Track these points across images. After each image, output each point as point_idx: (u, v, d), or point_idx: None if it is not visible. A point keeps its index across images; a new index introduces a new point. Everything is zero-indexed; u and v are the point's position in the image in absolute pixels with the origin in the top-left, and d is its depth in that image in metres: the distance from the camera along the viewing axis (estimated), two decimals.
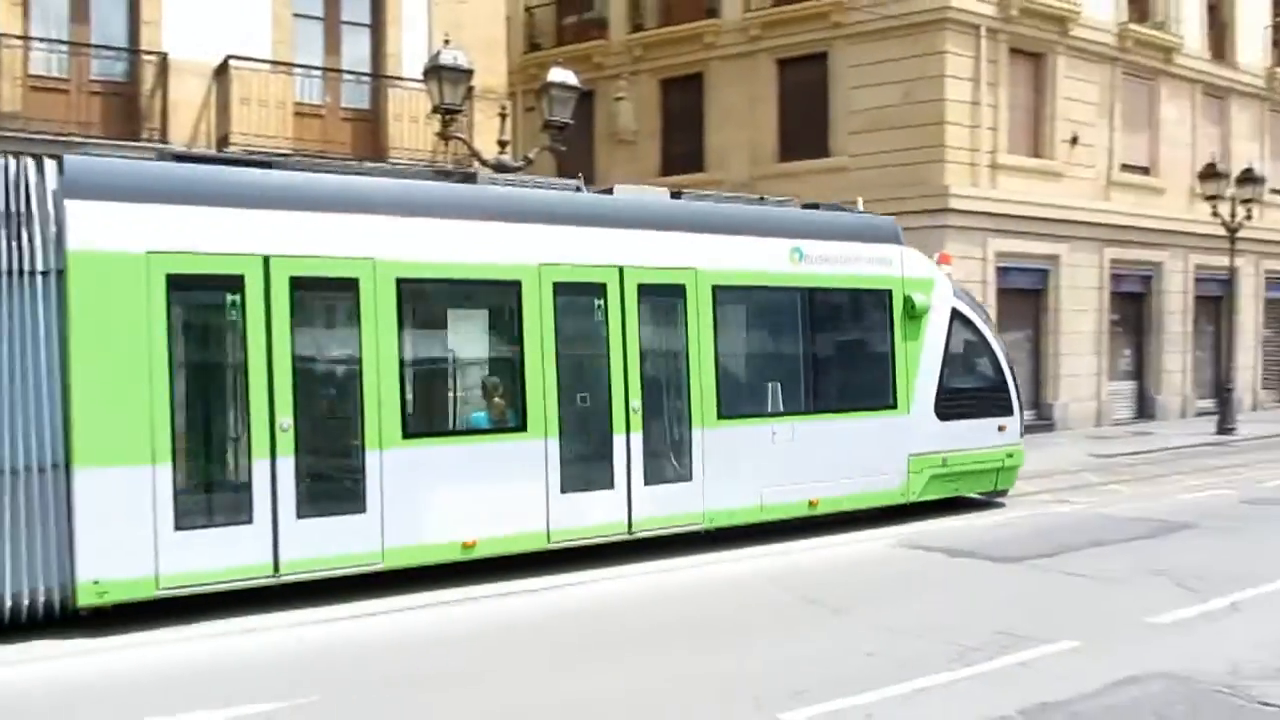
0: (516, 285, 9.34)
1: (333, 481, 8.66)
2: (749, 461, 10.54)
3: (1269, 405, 27.11)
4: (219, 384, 8.33)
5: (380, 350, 8.59)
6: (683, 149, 23.12)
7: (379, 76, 15.99)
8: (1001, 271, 20.92)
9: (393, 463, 8.57)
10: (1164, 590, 8.39)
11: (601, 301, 9.85)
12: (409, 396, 8.85)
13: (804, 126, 21.48)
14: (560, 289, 9.58)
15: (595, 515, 9.63)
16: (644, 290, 10.08)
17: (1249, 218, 21.71)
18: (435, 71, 12.60)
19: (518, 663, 6.91)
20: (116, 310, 7.59)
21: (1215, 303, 25.09)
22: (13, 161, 7.63)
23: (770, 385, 11.14)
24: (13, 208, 7.46)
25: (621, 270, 9.93)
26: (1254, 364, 26.75)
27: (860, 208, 12.47)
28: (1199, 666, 6.41)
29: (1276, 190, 26.53)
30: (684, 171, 22.90)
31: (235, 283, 8.06)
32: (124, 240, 7.67)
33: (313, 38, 15.66)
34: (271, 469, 8.07)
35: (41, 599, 7.37)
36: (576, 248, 9.76)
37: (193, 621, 7.75)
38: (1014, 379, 13.02)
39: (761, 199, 12.06)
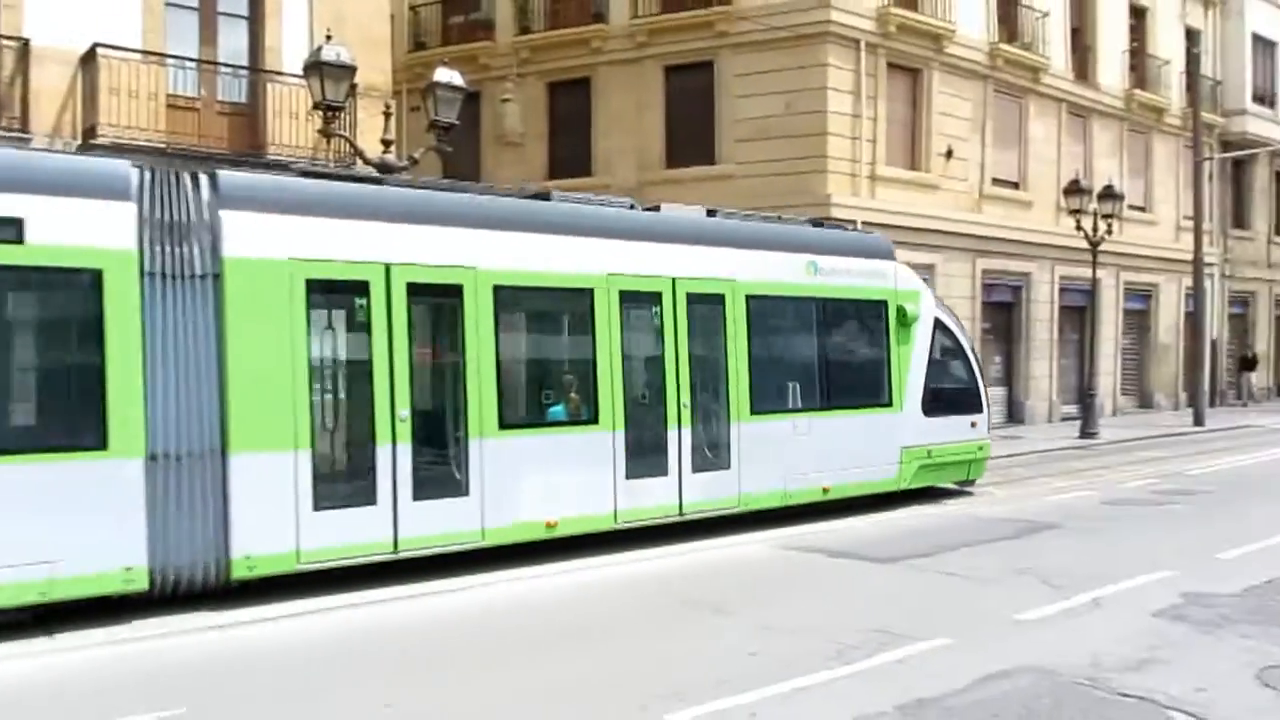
0: (589, 293, 10.49)
1: (441, 467, 9.50)
2: (775, 452, 11.81)
3: (1128, 410, 28.55)
4: (348, 378, 9.21)
5: (480, 349, 9.60)
6: (570, 152, 23.09)
7: (257, 70, 15.53)
8: None
9: (490, 451, 9.57)
10: (1031, 588, 8.74)
11: (658, 308, 11.08)
12: (503, 391, 9.81)
13: (691, 133, 21.70)
14: (624, 297, 10.76)
15: (653, 499, 10.79)
16: (691, 299, 11.28)
17: (1110, 232, 22.80)
18: (316, 67, 12.29)
19: (390, 671, 6.78)
20: (263, 311, 8.41)
21: (1079, 312, 26.25)
22: (174, 175, 8.36)
23: (791, 384, 12.42)
24: (176, 217, 8.17)
25: (674, 281, 11.14)
26: (1114, 371, 28.14)
27: (859, 227, 13.75)
28: (1063, 660, 6.69)
29: (1134, 206, 27.99)
30: (571, 175, 22.84)
31: (362, 288, 9.00)
32: (269, 248, 8.49)
33: (187, 28, 15.11)
34: (392, 456, 8.96)
35: (200, 573, 8.11)
36: (637, 260, 10.91)
37: (57, 632, 7.48)
38: (983, 381, 14.69)
39: (779, 217, 13.42)
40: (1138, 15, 29.55)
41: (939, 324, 13.97)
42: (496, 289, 9.73)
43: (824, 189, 20.32)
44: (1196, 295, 27.04)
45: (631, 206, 11.65)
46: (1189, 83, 28.73)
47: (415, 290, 9.25)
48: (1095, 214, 22.68)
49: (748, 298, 11.70)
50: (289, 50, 15.46)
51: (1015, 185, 25.22)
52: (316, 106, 12.54)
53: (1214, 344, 31.76)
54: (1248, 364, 33.53)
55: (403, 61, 23.07)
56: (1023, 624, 7.63)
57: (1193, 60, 28.51)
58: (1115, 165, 27.69)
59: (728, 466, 11.44)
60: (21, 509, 7.32)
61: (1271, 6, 34.86)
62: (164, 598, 8.03)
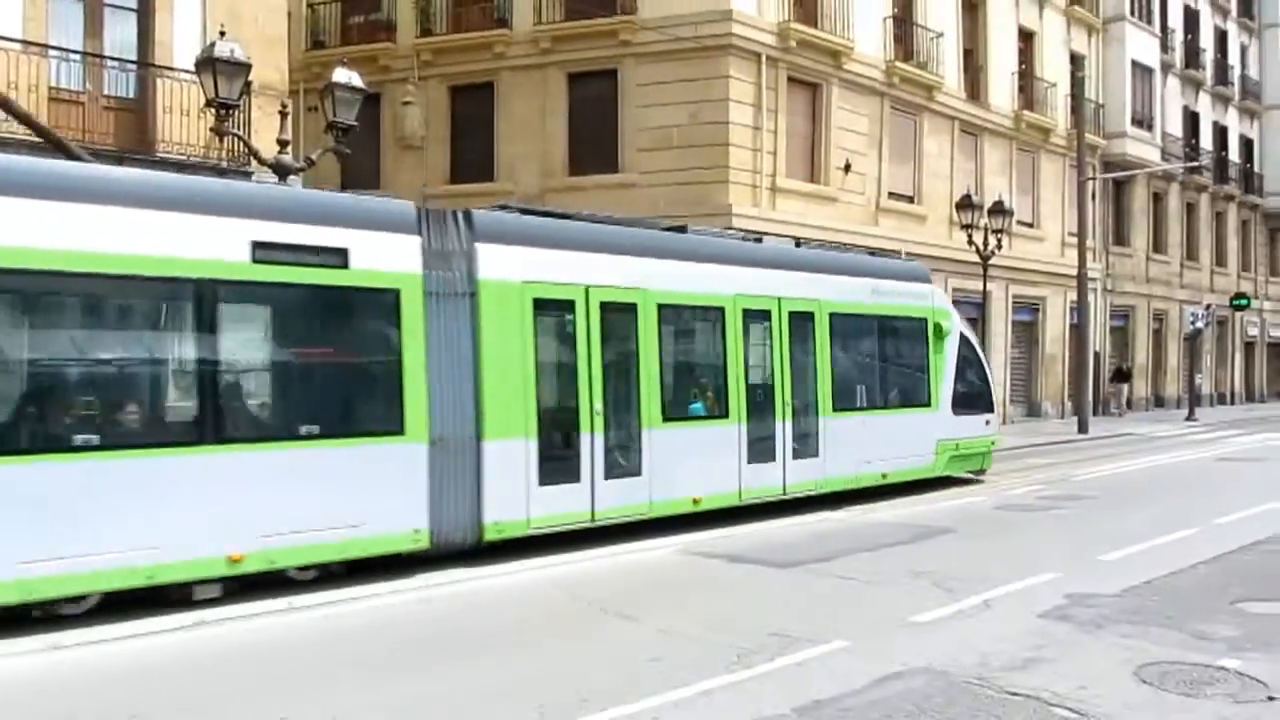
0: (721, 310, 12.72)
1: (623, 451, 11.53)
2: (850, 443, 14.26)
3: (1017, 419, 29.53)
4: (559, 377, 11.16)
5: (648, 355, 11.75)
6: (472, 157, 22.95)
7: (146, 65, 15.05)
8: None
9: (656, 439, 11.73)
10: (925, 591, 8.97)
11: (768, 323, 13.36)
12: (664, 390, 11.96)
13: (594, 141, 21.78)
14: (746, 314, 12.99)
15: (765, 480, 13.05)
16: (792, 316, 13.62)
17: (999, 246, 23.64)
18: (209, 63, 11.98)
19: (284, 683, 6.63)
20: (504, 323, 10.37)
21: (970, 324, 27.00)
22: (443, 214, 10.47)
23: (859, 387, 15.05)
24: (445, 247, 10.20)
25: (779, 300, 13.47)
26: (1004, 381, 29.08)
27: (904, 257, 17.16)
28: (955, 660, 6.89)
29: (1023, 222, 29.05)
30: (473, 180, 22.75)
31: (570, 305, 11.09)
32: (508, 271, 10.49)
33: (71, 19, 14.60)
34: (591, 442, 11.07)
35: (461, 536, 10.00)
36: (753, 283, 13.14)
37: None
38: (993, 384, 17.90)
39: (846, 247, 16.45)
40: (1026, 39, 30.74)
41: (962, 336, 16.79)
42: (660, 306, 11.93)
43: (725, 199, 20.60)
44: (1080, 308, 28.15)
45: (751, 238, 14.59)
46: (1073, 105, 29.97)
47: (605, 307, 11.37)
48: (986, 229, 23.48)
49: (830, 315, 14.18)
50: (180, 45, 15.04)
51: (910, 199, 25.93)
52: (209, 104, 12.22)
53: (1097, 355, 33.13)
54: (1122, 375, 35.12)
55: (300, 60, 22.66)
56: (917, 626, 7.82)
57: (1077, 84, 29.74)
58: (1005, 182, 28.73)
59: (816, 455, 13.88)
60: (340, 483, 9.13)
61: (1149, 35, 36.59)
62: (438, 556, 9.85)
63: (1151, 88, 36.71)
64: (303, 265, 9.08)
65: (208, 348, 8.59)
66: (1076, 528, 12.56)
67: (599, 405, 11.17)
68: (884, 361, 15.59)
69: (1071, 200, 30.20)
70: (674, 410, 12.17)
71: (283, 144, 12.71)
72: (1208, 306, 38.02)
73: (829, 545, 11.19)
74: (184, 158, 13.91)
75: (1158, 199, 38.86)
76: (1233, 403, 43.68)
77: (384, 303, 9.63)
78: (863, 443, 14.52)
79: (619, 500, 11.34)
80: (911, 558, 10.53)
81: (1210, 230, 42.90)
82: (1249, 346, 46.59)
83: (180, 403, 8.73)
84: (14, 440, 7.68)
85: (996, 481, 16.83)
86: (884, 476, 14.90)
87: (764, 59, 21.49)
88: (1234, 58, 45.11)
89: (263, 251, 8.81)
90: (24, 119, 11.59)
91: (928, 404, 15.99)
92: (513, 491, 10.33)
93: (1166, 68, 38.57)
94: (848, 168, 23.54)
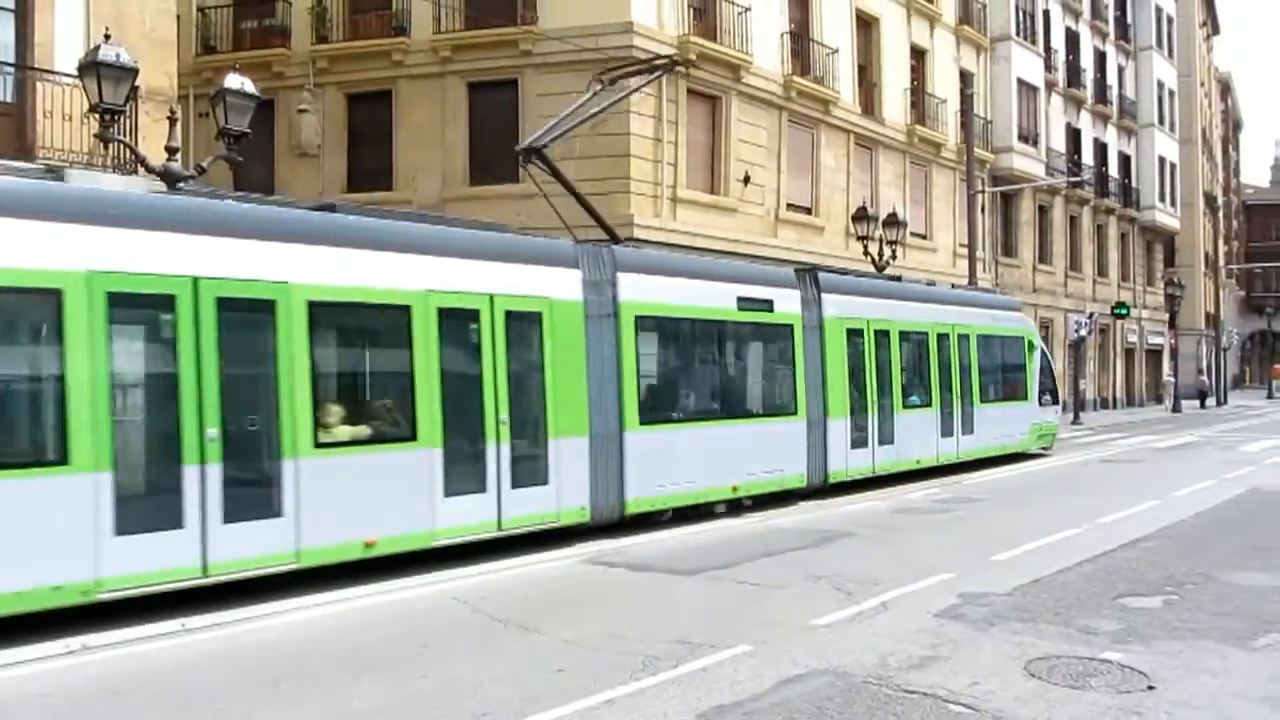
0: (922, 334, 18.73)
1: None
2: (990, 423, 20.58)
3: None
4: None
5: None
6: (370, 165, 22.60)
7: (24, 67, 14.45)
8: None
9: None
10: (825, 594, 9.13)
11: (948, 346, 19.47)
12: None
13: (495, 150, 21.61)
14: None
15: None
16: (939, 336, 19.25)
17: (894, 257, 24.19)
18: (93, 67, 11.58)
19: (163, 711, 6.42)
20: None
21: None
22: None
23: (990, 385, 21.02)
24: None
25: (954, 327, 19.68)
26: None
27: (999, 293, 25.90)
28: (854, 661, 7.03)
29: (916, 233, 29.81)
30: (371, 189, 22.40)
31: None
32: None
33: None
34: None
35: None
36: (929, 314, 19.16)
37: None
38: (1058, 383, 25.24)
39: (968, 286, 24.20)
40: (918, 56, 31.62)
41: (1041, 346, 23.57)
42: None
43: (626, 210, 20.67)
44: None
45: (930, 283, 21.50)
46: (963, 120, 30.91)
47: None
48: (881, 239, 24.04)
49: (979, 336, 20.55)
50: (62, 47, 14.44)
51: (809, 210, 26.41)
52: (93, 109, 11.82)
53: None
54: None
55: (190, 65, 22.06)
56: (817, 629, 7.96)
57: (966, 100, 30.70)
58: (899, 194, 29.48)
59: (973, 432, 19.89)
60: (768, 444, 14.67)
61: (1034, 55, 38.00)
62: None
63: (1036, 105, 38.13)
64: (754, 310, 14.87)
65: (726, 363, 15.19)
66: (969, 529, 12.94)
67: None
68: (1003, 367, 21.82)
69: (962, 212, 31.17)
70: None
71: (171, 151, 12.33)
72: (1090, 315, 39.64)
73: (732, 552, 11.30)
74: (65, 164, 13.38)
75: (1043, 211, 40.35)
76: (1114, 407, 45.49)
77: (785, 333, 15.47)
78: (996, 424, 20.81)
79: (858, 463, 16.62)
80: (812, 562, 10.70)
81: (1092, 242, 44.70)
82: (1129, 353, 48.62)
83: (714, 394, 14.71)
84: (673, 415, 13.68)
85: (893, 486, 17.20)
86: (1003, 448, 21.16)
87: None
88: (1112, 78, 47.15)
89: (742, 303, 14.64)
90: None
91: (1025, 398, 22.54)
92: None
93: (1050, 86, 40.11)
94: (747, 179, 23.86)
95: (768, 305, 15.00)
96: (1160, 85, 51.01)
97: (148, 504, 8.38)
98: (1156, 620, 8.16)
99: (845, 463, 16.08)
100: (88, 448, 7.98)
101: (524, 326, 11.51)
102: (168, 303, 8.56)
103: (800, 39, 25.97)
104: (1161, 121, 50.86)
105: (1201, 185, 60.14)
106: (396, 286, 10.16)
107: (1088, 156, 44.10)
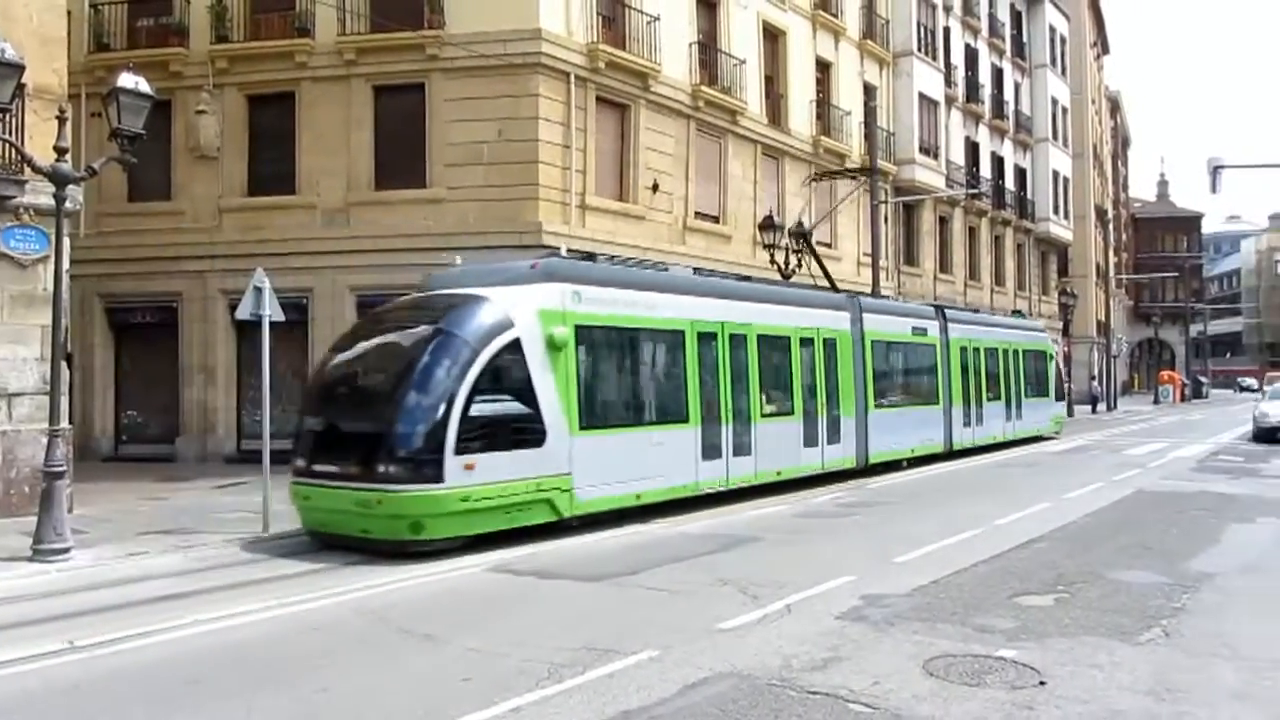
0: (997, 350, 27.26)
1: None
2: (1032, 411, 29.14)
3: None
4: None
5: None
6: (272, 169, 22.16)
7: None
8: None
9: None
10: (731, 598, 9.22)
11: (1011, 357, 28.19)
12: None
13: (401, 155, 21.42)
14: (962, 350, 25.07)
15: (982, 436, 25.61)
16: (1004, 352, 27.53)
17: (800, 265, 24.58)
18: None
19: None
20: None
21: None
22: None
23: (1028, 384, 29.03)
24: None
25: (1012, 344, 28.50)
26: None
27: (1028, 316, 37.79)
28: (759, 664, 7.12)
29: (821, 242, 30.27)
30: (273, 193, 22.02)
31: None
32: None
33: None
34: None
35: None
36: (1008, 336, 28.27)
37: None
38: (1065, 383, 37.48)
39: (1018, 312, 37.15)
40: (823, 69, 32.26)
41: (1055, 357, 32.89)
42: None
43: (535, 216, 20.64)
44: None
45: (1016, 312, 35.82)
46: (866, 132, 31.52)
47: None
48: (787, 248, 24.41)
49: (1025, 350, 29.14)
50: None
51: (716, 219, 26.71)
52: None
53: None
54: None
55: (82, 63, 21.38)
56: (723, 633, 8.03)
57: (869, 112, 31.35)
58: (804, 204, 29.91)
59: (1022, 419, 28.27)
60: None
61: (935, 70, 39.06)
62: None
63: (937, 119, 39.20)
64: (918, 334, 23.26)
65: (909, 367, 23.16)
66: (872, 532, 13.19)
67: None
68: (1037, 371, 30.39)
69: (866, 223, 31.81)
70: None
71: (60, 151, 11.89)
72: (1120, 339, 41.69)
73: (638, 558, 11.34)
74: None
75: (944, 222, 41.48)
76: None
77: (932, 349, 23.83)
78: (1035, 412, 29.68)
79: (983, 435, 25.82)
80: (718, 566, 10.80)
81: (990, 252, 46.09)
82: None
83: (903, 386, 22.82)
84: (889, 400, 21.62)
85: (798, 489, 17.43)
86: (1039, 429, 29.83)
87: (573, 78, 21.70)
88: (1009, 94, 48.74)
89: (914, 330, 23.17)
90: None
91: (1048, 395, 31.40)
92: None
93: (950, 101, 41.29)
94: (655, 187, 24.02)
95: (924, 331, 23.48)
96: (1054, 102, 52.91)
97: (710, 446, 15.46)
98: (1049, 618, 8.44)
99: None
100: (695, 415, 15.23)
101: (828, 347, 19.28)
102: (712, 336, 15.80)
103: (708, 49, 26.27)
104: (1055, 137, 52.76)
105: (1093, 198, 62.56)
106: (782, 324, 17.84)
107: (986, 169, 45.50)
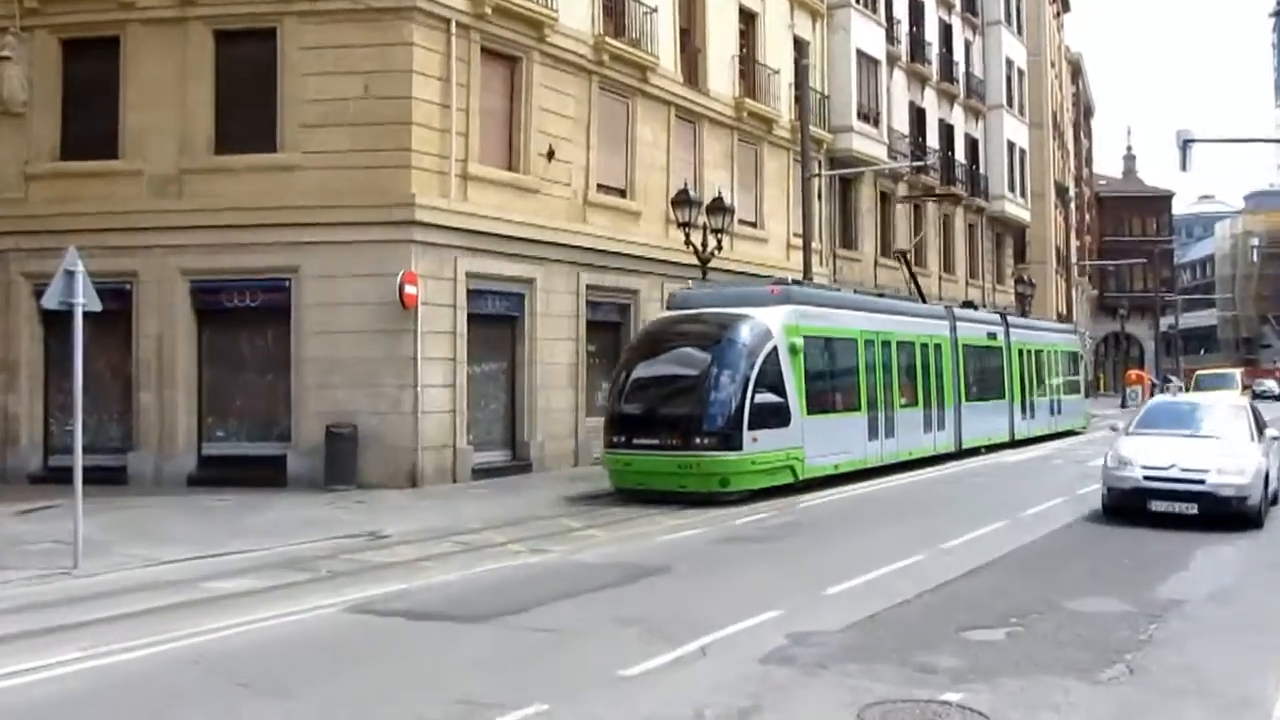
0: (1046, 351, 36.42)
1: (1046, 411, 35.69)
2: (1067, 409, 37.71)
3: None
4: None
5: (1013, 372, 32.70)
6: (90, 129, 21.50)
7: None
8: (473, 295, 21.84)
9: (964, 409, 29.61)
10: (636, 640, 9.15)
11: (1054, 357, 37.44)
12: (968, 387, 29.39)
13: (247, 114, 20.91)
14: (1021, 353, 33.40)
15: (1024, 429, 32.91)
16: (1044, 353, 35.93)
17: (720, 247, 24.67)
18: None
19: None
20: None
21: None
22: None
23: (1063, 382, 37.87)
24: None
25: (1052, 345, 37.59)
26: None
27: (1054, 320, 50.47)
28: (668, 714, 7.08)
29: (745, 221, 30.55)
30: (91, 157, 21.44)
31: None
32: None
33: None
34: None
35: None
36: (1051, 339, 38.12)
37: None
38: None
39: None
40: (748, 20, 32.43)
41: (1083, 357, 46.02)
42: (1021, 351, 33.14)
43: (407, 188, 20.29)
44: None
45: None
46: (797, 95, 31.73)
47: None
48: (705, 227, 24.45)
49: (1061, 351, 37.99)
50: None
51: (622, 193, 26.64)
52: None
53: None
54: None
55: None
56: (626, 680, 7.96)
57: (801, 72, 31.49)
58: (726, 176, 30.06)
59: (1059, 413, 36.26)
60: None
61: (875, 25, 39.57)
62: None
63: (878, 80, 39.74)
64: (990, 339, 31.47)
65: (984, 367, 31.01)
66: (800, 560, 13.29)
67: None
68: (1070, 372, 38.70)
69: (797, 200, 32.04)
70: (1032, 394, 33.68)
71: None
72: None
73: (527, 593, 11.22)
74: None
75: (885, 199, 42.04)
76: None
77: (1000, 351, 31.82)
78: (1070, 408, 37.62)
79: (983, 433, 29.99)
80: (621, 603, 10.75)
81: (939, 234, 46.91)
82: None
83: (981, 384, 30.55)
84: (973, 395, 29.34)
85: (719, 510, 17.50)
86: (1071, 426, 37.01)
87: (454, 25, 21.41)
88: (959, 54, 49.75)
89: (988, 335, 31.26)
90: None
91: (1079, 393, 39.99)
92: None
93: (892, 60, 41.94)
94: (551, 154, 23.83)
95: (995, 335, 31.25)
96: (1009, 64, 54.23)
97: (873, 429, 22.61)
98: (999, 654, 8.57)
99: (1027, 429, 32.75)
100: (864, 404, 22.54)
101: (936, 351, 26.38)
102: (870, 343, 23.10)
103: None
104: (1010, 103, 54.06)
105: (1052, 174, 64.31)
106: (910, 331, 25.25)
107: (933, 139, 46.30)
